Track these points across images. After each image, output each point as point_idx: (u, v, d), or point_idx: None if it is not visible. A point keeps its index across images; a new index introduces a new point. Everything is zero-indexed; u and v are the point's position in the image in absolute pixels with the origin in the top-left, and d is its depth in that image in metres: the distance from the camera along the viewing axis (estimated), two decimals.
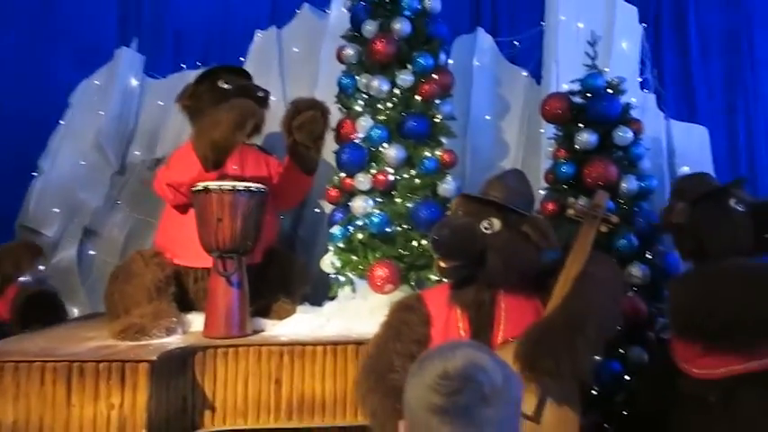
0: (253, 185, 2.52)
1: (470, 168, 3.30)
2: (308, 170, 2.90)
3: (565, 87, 3.02)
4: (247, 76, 3.12)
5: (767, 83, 3.70)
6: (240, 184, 2.49)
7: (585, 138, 2.72)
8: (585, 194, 2.71)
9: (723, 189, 2.23)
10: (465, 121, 3.43)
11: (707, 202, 2.20)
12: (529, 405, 1.89)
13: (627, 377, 2.65)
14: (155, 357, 2.04)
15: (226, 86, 2.94)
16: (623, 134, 2.72)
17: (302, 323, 2.62)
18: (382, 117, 2.83)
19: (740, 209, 2.17)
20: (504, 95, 3.56)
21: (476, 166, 3.28)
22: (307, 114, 2.73)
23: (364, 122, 2.81)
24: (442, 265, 2.08)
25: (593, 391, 2.64)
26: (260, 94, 2.94)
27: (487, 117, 3.46)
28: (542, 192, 2.96)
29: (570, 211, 2.21)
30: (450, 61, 3.46)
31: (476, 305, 2.08)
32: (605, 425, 2.63)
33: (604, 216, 2.12)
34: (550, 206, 2.79)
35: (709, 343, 2.04)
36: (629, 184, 2.73)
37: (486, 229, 2.03)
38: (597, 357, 2.55)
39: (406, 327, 2.10)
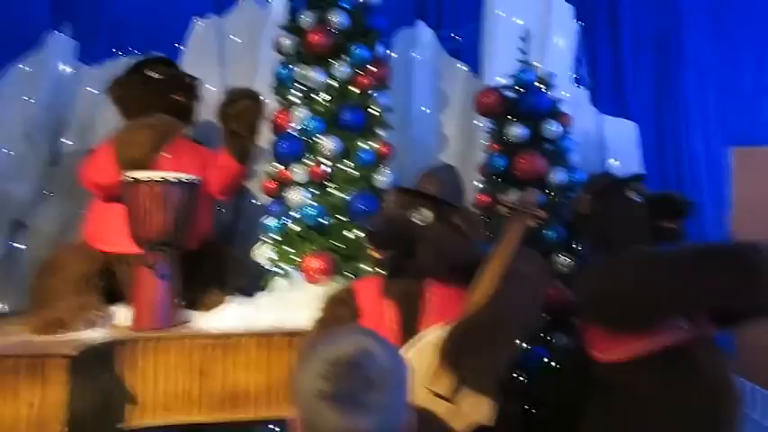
0: (184, 176, 2.48)
1: (410, 161, 3.33)
2: (244, 160, 2.87)
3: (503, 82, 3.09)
4: (176, 66, 3.10)
5: (693, 82, 3.86)
6: (171, 176, 2.45)
7: (516, 131, 2.79)
8: (517, 187, 2.79)
9: (622, 182, 2.37)
10: (405, 114, 3.45)
11: (608, 194, 2.33)
12: (446, 386, 1.96)
13: (553, 363, 2.75)
14: (75, 352, 2.00)
15: (156, 76, 2.90)
16: (552, 128, 2.81)
17: (232, 314, 2.60)
18: (319, 108, 2.83)
19: (638, 199, 2.30)
20: (444, 89, 3.60)
21: (415, 159, 3.30)
22: (241, 103, 2.72)
23: (300, 113, 2.80)
24: (376, 255, 2.14)
25: (521, 378, 2.73)
26: (189, 81, 2.93)
27: (427, 110, 3.50)
28: (478, 184, 3.03)
29: (501, 208, 2.29)
30: (393, 54, 3.49)
31: (405, 296, 2.14)
32: (532, 410, 2.73)
33: (533, 212, 2.20)
34: (484, 198, 2.86)
35: (611, 328, 2.15)
36: (557, 177, 2.82)
37: (418, 220, 2.10)
38: (526, 345, 2.67)
39: (336, 321, 2.14)
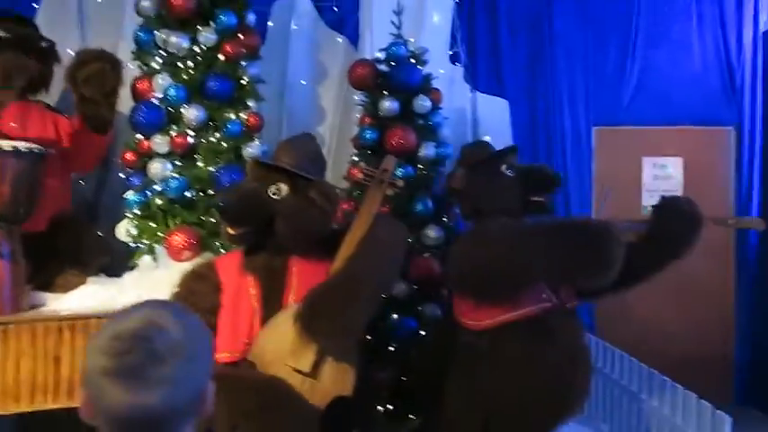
0: (22, 145, 2.27)
1: (287, 133, 3.27)
2: (99, 129, 2.66)
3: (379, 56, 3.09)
4: (32, 25, 2.79)
5: (563, 64, 4.06)
6: (6, 144, 2.23)
7: (388, 105, 2.82)
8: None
9: (496, 156, 2.43)
10: (281, 86, 3.38)
11: (481, 168, 2.38)
12: (307, 362, 1.96)
13: (422, 332, 2.84)
14: None
15: (3, 35, 2.60)
16: (423, 103, 2.86)
17: (91, 296, 2.45)
18: (182, 76, 2.68)
19: (510, 174, 2.37)
20: (322, 61, 3.55)
21: (292, 131, 3.23)
22: (93, 66, 2.49)
23: (162, 81, 2.64)
24: (230, 231, 2.06)
25: (391, 347, 2.81)
26: (44, 44, 2.65)
27: (303, 82, 3.44)
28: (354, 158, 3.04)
29: (359, 175, 2.29)
30: (270, 24, 3.38)
31: (267, 271, 2.09)
32: (402, 378, 2.82)
33: (391, 180, 2.21)
34: (355, 171, 2.87)
35: (478, 297, 2.24)
36: (427, 151, 2.88)
37: (273, 194, 2.04)
38: (396, 315, 2.72)
39: (194, 297, 2.06)
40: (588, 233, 2.09)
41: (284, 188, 2.05)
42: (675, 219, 2.26)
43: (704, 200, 4.12)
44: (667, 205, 2.32)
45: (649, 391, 2.77)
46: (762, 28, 4.19)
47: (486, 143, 2.70)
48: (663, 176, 4.29)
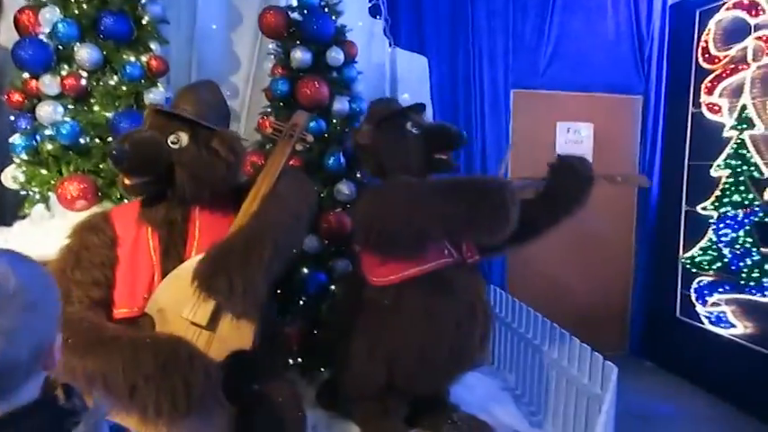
0: None
1: (195, 79, 3.10)
2: None
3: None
4: None
5: (485, 24, 4.07)
6: None
7: (300, 55, 2.72)
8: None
9: (401, 112, 2.41)
10: (191, 29, 3.18)
11: (386, 125, 2.36)
12: (204, 315, 1.91)
13: (332, 287, 2.84)
14: None
15: None
16: (336, 55, 2.78)
17: None
18: (73, 10, 2.47)
19: (415, 131, 2.36)
20: (236, 5, 3.36)
21: (201, 77, 3.08)
22: None
23: (49, 15, 2.42)
24: (126, 181, 1.94)
25: (301, 301, 2.80)
26: None
27: (215, 26, 3.25)
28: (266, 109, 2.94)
29: (268, 129, 2.21)
30: None
31: (167, 223, 2.00)
32: (313, 331, 2.82)
33: (301, 135, 2.15)
34: (266, 124, 2.77)
35: (380, 253, 2.25)
36: (340, 105, 2.82)
37: (173, 143, 1.93)
38: (306, 270, 2.69)
39: (87, 251, 1.93)
40: (483, 192, 2.12)
41: (184, 137, 1.94)
42: (569, 177, 2.35)
43: (611, 165, 4.37)
44: (562, 164, 2.39)
45: (550, 344, 2.91)
46: (669, 1, 4.36)
47: (394, 99, 2.67)
48: (575, 141, 4.45)
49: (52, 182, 2.49)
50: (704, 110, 3.96)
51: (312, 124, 2.74)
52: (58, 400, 0.83)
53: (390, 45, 3.59)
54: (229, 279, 1.78)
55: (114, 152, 1.86)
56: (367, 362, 2.29)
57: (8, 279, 0.78)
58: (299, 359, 2.79)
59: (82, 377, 1.66)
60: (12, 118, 2.99)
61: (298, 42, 2.78)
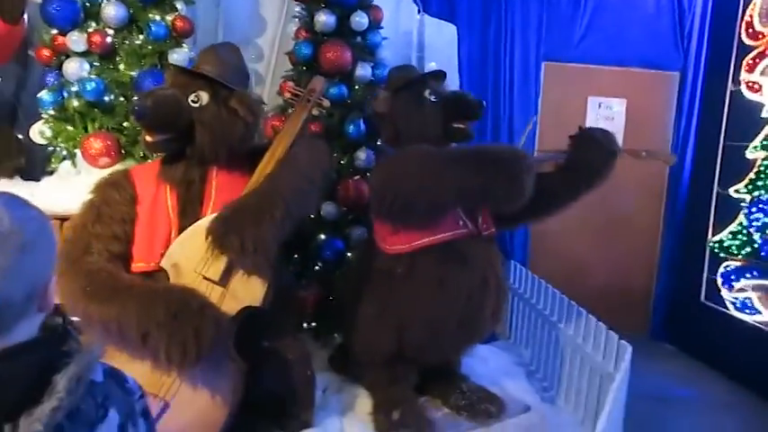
0: None
1: (220, 40, 3.09)
2: (9, 18, 2.46)
3: None
4: None
5: None
6: None
7: (324, 19, 2.69)
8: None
9: (420, 80, 2.37)
10: None
11: (405, 92, 2.33)
12: (217, 270, 1.95)
13: (349, 254, 2.86)
14: None
15: None
16: (360, 19, 2.74)
17: None
18: None
19: (433, 99, 2.32)
20: None
21: (227, 39, 3.08)
22: None
23: None
24: (148, 138, 1.99)
25: (317, 266, 2.82)
26: None
27: None
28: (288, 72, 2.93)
29: (286, 94, 2.21)
30: None
31: (185, 182, 2.05)
32: (328, 297, 2.85)
33: (317, 100, 2.16)
34: (285, 88, 2.76)
35: (394, 221, 2.24)
36: (363, 71, 2.79)
37: (193, 102, 1.98)
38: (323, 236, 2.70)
39: (107, 207, 2.00)
40: (499, 162, 2.09)
41: (204, 96, 1.99)
42: (591, 149, 2.29)
43: (643, 142, 4.25)
44: (583, 136, 2.33)
45: (567, 321, 2.88)
46: None
47: (413, 67, 2.63)
48: (606, 117, 4.33)
49: (78, 138, 2.54)
50: (744, 88, 3.79)
51: (333, 90, 2.73)
52: (52, 341, 0.85)
53: (419, 12, 3.52)
54: (241, 237, 1.83)
55: (137, 108, 1.92)
56: (377, 328, 2.31)
57: (1, 220, 0.80)
58: (313, 323, 2.82)
59: (98, 323, 1.74)
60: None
61: (323, 5, 2.74)
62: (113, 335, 1.74)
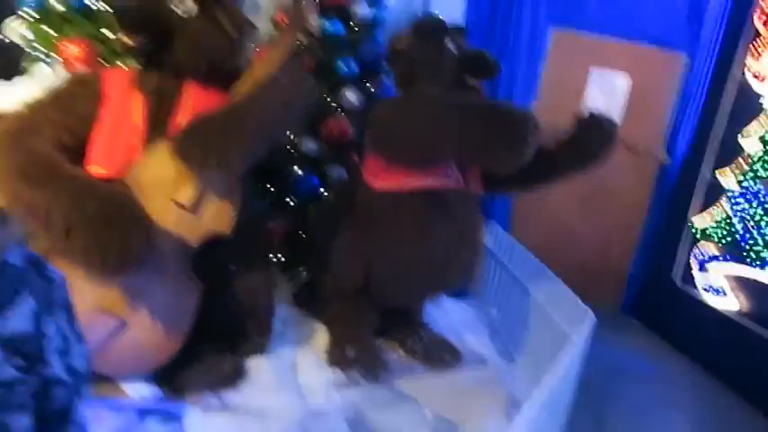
0: None
1: None
2: None
3: None
4: None
5: None
6: None
7: None
8: (320, 12, 2.65)
9: (443, 28, 2.34)
10: None
11: (428, 36, 2.31)
12: (186, 195, 1.92)
13: (324, 192, 2.83)
14: None
15: None
16: None
17: None
18: None
19: (453, 49, 2.31)
20: None
21: None
22: None
23: None
24: (126, 40, 1.93)
25: (291, 201, 2.80)
26: None
27: None
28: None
29: (281, 21, 2.15)
30: None
31: (158, 92, 1.99)
32: (298, 231, 2.84)
33: (303, 25, 2.10)
34: (281, 18, 2.68)
35: (388, 157, 2.23)
36: (361, 9, 2.71)
37: (179, 11, 1.91)
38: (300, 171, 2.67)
39: (71, 100, 1.93)
40: (507, 120, 2.04)
41: (191, 6, 1.93)
42: (595, 135, 2.27)
43: (641, 120, 4.19)
44: (592, 121, 2.31)
45: (536, 284, 2.88)
46: None
47: (442, 21, 2.55)
48: (607, 90, 4.25)
49: (54, 42, 2.46)
50: (749, 76, 3.71)
51: (329, 26, 2.65)
52: None
53: None
54: (204, 148, 1.79)
55: (118, 7, 1.87)
56: (347, 260, 2.31)
57: None
58: (282, 256, 2.82)
59: (24, 206, 1.66)
60: None
61: None
62: (38, 221, 1.65)
